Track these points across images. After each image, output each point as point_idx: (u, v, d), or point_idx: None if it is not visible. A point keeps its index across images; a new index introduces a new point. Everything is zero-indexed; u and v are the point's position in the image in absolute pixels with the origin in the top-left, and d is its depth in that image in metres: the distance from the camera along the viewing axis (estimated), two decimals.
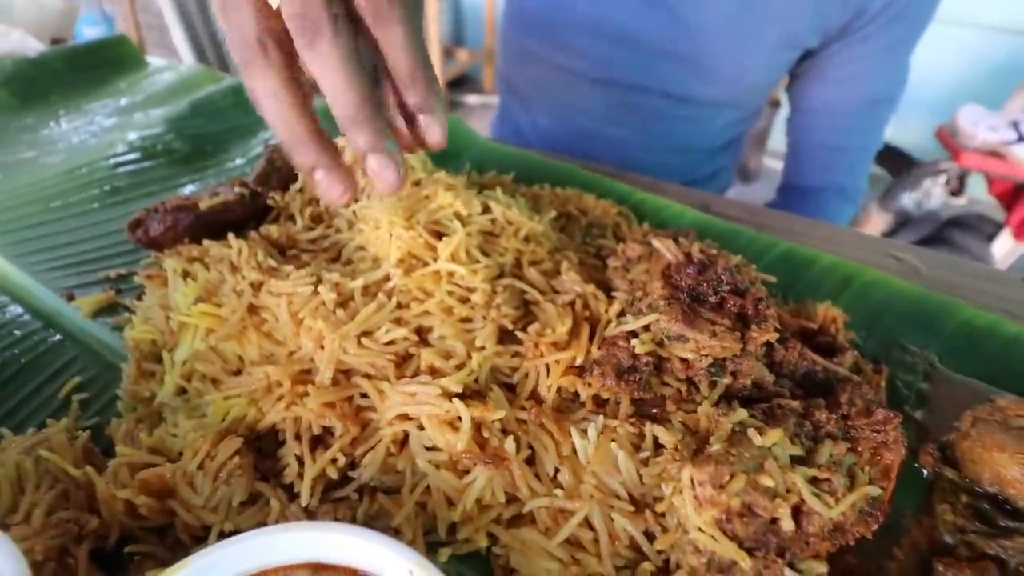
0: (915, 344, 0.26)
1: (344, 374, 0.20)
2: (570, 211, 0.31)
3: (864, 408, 0.19)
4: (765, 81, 0.50)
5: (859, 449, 0.18)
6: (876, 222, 1.62)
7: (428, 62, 0.20)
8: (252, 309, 0.22)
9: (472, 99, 2.79)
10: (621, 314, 0.21)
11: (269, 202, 0.28)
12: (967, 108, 1.41)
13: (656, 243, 0.22)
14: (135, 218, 0.27)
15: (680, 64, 0.47)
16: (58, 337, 0.27)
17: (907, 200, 1.56)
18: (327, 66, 0.17)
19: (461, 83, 2.83)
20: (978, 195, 1.73)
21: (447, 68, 2.53)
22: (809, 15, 0.43)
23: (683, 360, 0.19)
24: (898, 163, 1.78)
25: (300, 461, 0.19)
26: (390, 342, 0.20)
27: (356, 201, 0.29)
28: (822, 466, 0.16)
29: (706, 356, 0.19)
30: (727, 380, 0.19)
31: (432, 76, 0.20)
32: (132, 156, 0.40)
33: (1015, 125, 1.31)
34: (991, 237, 1.67)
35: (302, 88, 0.18)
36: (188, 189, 0.38)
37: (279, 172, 0.29)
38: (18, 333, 0.27)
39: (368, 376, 0.20)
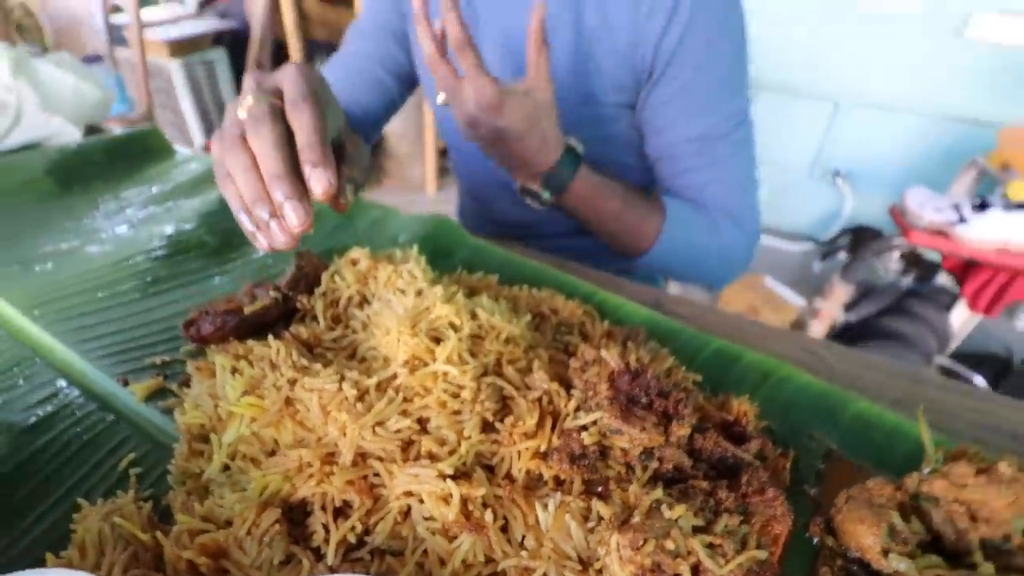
0: (819, 430, 0.33)
1: (361, 456, 0.26)
2: (543, 311, 0.38)
3: (759, 488, 0.25)
4: (609, 139, 0.56)
5: (752, 521, 0.24)
6: (839, 293, 1.73)
7: (323, 139, 0.28)
8: (288, 401, 0.27)
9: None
10: (577, 409, 0.27)
11: (297, 304, 0.35)
12: (914, 191, 1.55)
13: (604, 354, 0.28)
14: (190, 318, 0.32)
15: None
16: (112, 418, 0.32)
17: (865, 272, 1.67)
18: (264, 141, 0.27)
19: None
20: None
21: (443, 161, 2.69)
22: (585, 65, 0.51)
23: (622, 449, 0.25)
24: (864, 237, 1.91)
25: (326, 528, 0.24)
26: (398, 430, 0.26)
27: (367, 303, 0.35)
28: (718, 534, 0.22)
29: (638, 446, 0.25)
30: (655, 465, 0.25)
31: (323, 145, 0.28)
32: (169, 250, 0.46)
33: (957, 208, 1.44)
34: (948, 307, 1.77)
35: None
36: (218, 280, 0.44)
37: (306, 278, 0.36)
38: (78, 414, 0.32)
39: (380, 459, 0.25)
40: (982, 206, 1.39)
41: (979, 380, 1.68)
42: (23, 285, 0.41)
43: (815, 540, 0.27)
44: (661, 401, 0.26)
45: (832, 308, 1.80)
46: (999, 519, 0.25)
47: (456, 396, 0.28)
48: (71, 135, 0.71)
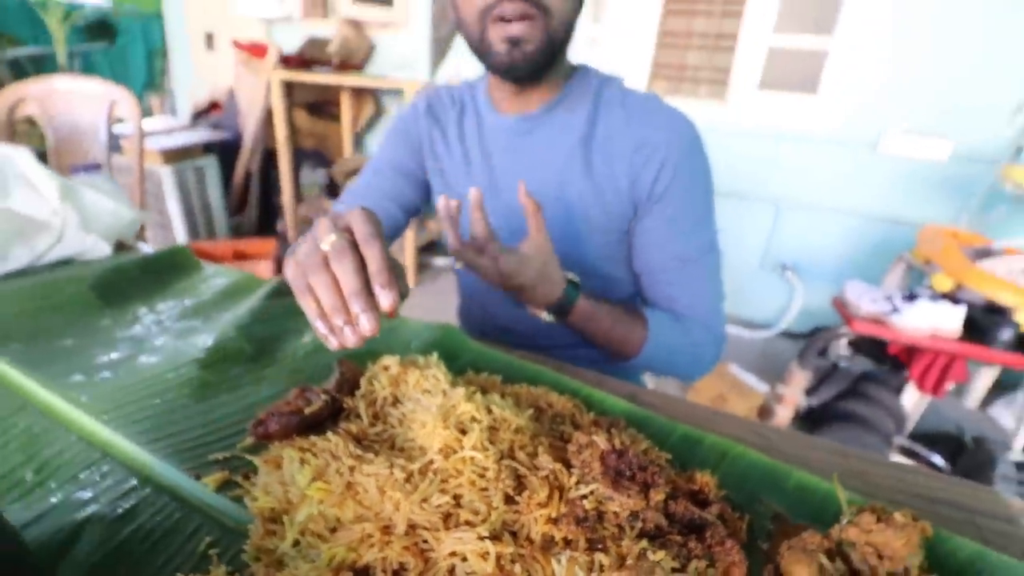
0: (767, 497, 0.41)
1: (411, 527, 0.32)
2: (541, 405, 0.46)
3: (720, 540, 0.33)
4: (605, 253, 0.69)
5: (716, 565, 0.31)
6: (798, 379, 1.84)
7: (388, 267, 0.37)
8: (349, 485, 0.34)
9: (439, 261, 3.07)
10: (577, 483, 0.35)
11: (343, 404, 0.42)
12: (852, 284, 1.73)
13: (595, 439, 0.36)
14: (258, 419, 0.40)
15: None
16: (185, 508, 0.38)
17: (817, 359, 1.80)
18: (346, 267, 0.36)
19: (430, 248, 3.13)
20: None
21: (420, 235, 2.83)
22: (599, 204, 0.66)
23: (614, 512, 0.33)
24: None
25: None
26: (439, 505, 0.33)
27: (399, 403, 0.43)
28: (690, 574, 0.29)
29: (626, 510, 0.33)
30: (639, 524, 0.33)
31: (386, 268, 0.36)
32: (213, 358, 0.53)
33: (890, 299, 1.61)
34: (900, 389, 1.90)
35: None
36: (254, 387, 0.51)
37: (348, 382, 0.44)
38: (156, 505, 0.38)
39: (427, 528, 0.32)
40: (911, 297, 1.57)
41: (937, 459, 1.78)
42: (89, 393, 0.48)
43: None
44: (641, 474, 0.34)
45: (794, 393, 1.91)
46: (899, 556, 0.33)
47: (482, 476, 0.35)
48: (102, 251, 0.80)
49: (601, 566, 0.30)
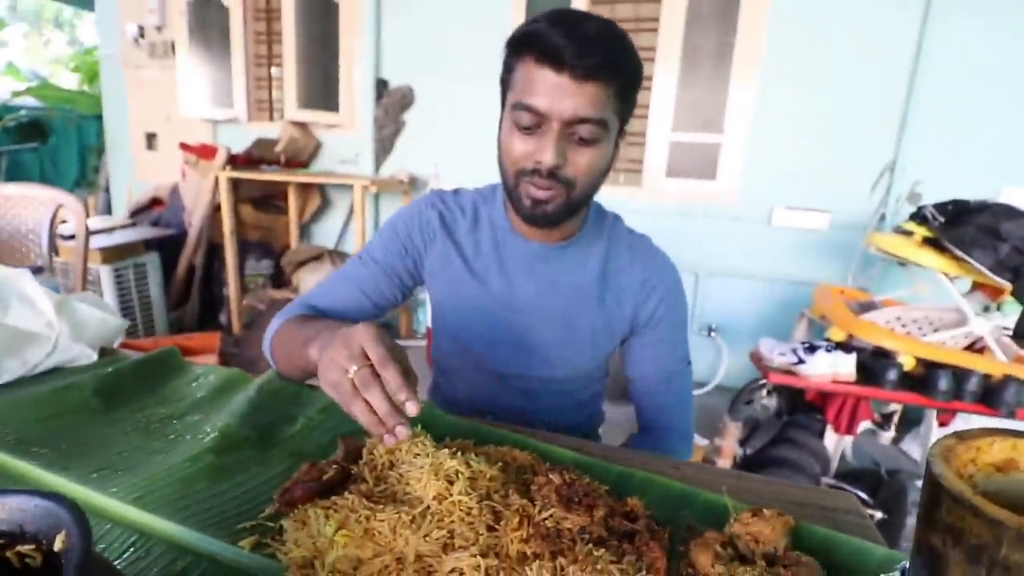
0: (684, 513, 0.54)
1: (419, 557, 0.43)
2: (507, 460, 0.58)
3: (646, 542, 0.45)
4: (593, 364, 0.85)
5: (643, 559, 0.44)
6: (732, 430, 2.02)
7: (405, 380, 0.49)
8: (367, 530, 0.45)
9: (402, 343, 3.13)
10: (540, 511, 0.47)
11: (351, 471, 0.53)
12: (763, 340, 1.97)
13: (552, 476, 0.49)
14: (284, 488, 0.49)
15: (538, 358, 0.82)
16: (227, 570, 0.46)
17: (745, 410, 1.99)
18: (375, 395, 0.48)
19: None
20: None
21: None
22: (606, 330, 0.81)
23: (568, 528, 0.45)
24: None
25: None
26: (438, 538, 0.44)
27: (395, 466, 0.54)
28: (624, 564, 0.42)
29: (577, 525, 0.45)
30: (588, 536, 0.45)
31: (408, 385, 0.49)
32: (223, 446, 0.62)
33: (795, 351, 1.85)
34: (821, 432, 2.11)
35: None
36: (268, 466, 0.60)
37: (352, 453, 0.54)
38: (202, 567, 0.46)
39: (430, 556, 0.43)
40: (811, 348, 1.81)
41: (861, 494, 1.96)
42: (116, 484, 0.55)
43: (683, 574, 0.46)
44: (586, 499, 0.47)
45: (729, 444, 2.07)
46: (769, 540, 0.47)
47: (468, 513, 0.46)
48: (89, 357, 0.86)
49: (562, 567, 0.42)
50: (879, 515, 1.79)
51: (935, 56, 2.35)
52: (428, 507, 0.47)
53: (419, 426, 0.60)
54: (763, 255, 2.72)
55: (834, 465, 2.06)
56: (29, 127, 4.71)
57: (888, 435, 2.52)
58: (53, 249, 2.36)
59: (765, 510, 0.48)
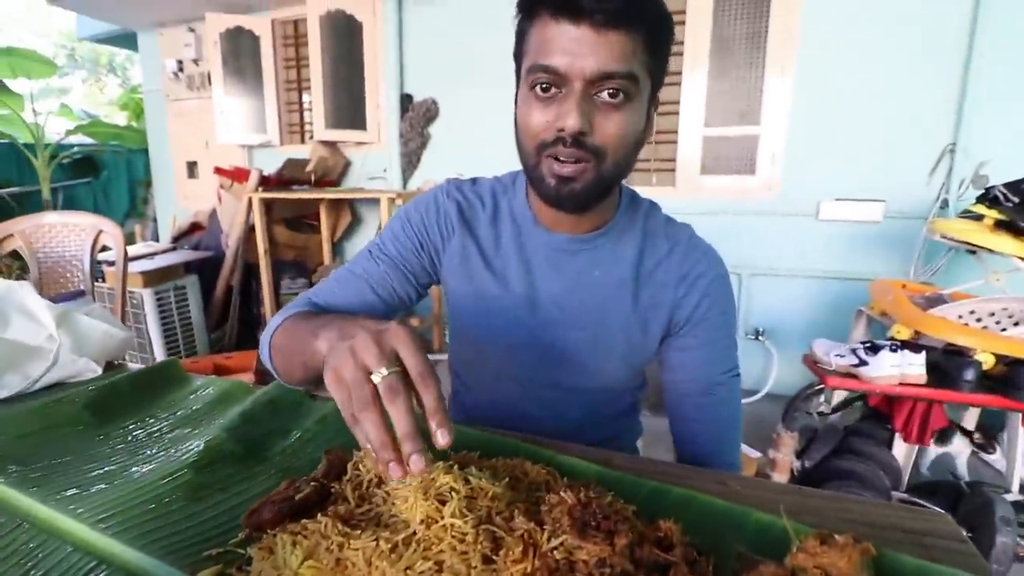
0: (731, 538, 0.44)
1: None
2: (517, 475, 0.50)
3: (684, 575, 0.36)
4: (627, 372, 0.74)
5: None
6: (787, 441, 1.85)
7: (444, 406, 0.40)
8: (338, 561, 0.37)
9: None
10: (548, 539, 0.38)
11: (332, 489, 0.45)
12: (818, 342, 1.81)
13: (564, 495, 0.40)
14: (252, 509, 0.42)
15: (566, 366, 0.72)
16: None
17: (802, 419, 1.83)
18: (399, 409, 0.38)
19: None
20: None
21: None
22: (641, 333, 0.71)
23: (583, 561, 0.36)
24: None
25: None
26: (422, 572, 0.36)
27: (383, 483, 0.46)
28: None
29: (594, 556, 0.36)
30: (607, 571, 0.36)
31: (443, 408, 0.40)
32: (205, 461, 0.56)
33: (855, 352, 1.69)
34: (888, 441, 1.92)
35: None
36: (251, 484, 0.54)
37: (335, 469, 0.47)
38: None
39: None
40: (874, 348, 1.64)
41: (938, 510, 1.76)
42: (85, 504, 0.50)
43: None
44: (606, 522, 0.38)
45: (785, 457, 1.91)
46: (844, 574, 0.36)
47: (462, 541, 0.38)
48: (93, 371, 0.83)
49: None
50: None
51: (993, 25, 2.15)
52: (414, 533, 0.39)
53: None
54: (812, 251, 2.54)
55: (905, 477, 1.86)
56: (82, 163, 5.00)
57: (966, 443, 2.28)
58: (97, 274, 2.44)
59: (837, 536, 0.38)
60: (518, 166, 0.71)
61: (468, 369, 0.83)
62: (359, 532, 0.39)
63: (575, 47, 0.53)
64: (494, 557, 0.37)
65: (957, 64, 2.24)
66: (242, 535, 0.45)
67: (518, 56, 0.61)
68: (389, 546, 0.37)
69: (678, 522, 0.43)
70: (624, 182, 0.68)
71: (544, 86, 0.56)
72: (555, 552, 0.37)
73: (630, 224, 0.71)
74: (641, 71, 0.56)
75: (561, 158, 0.57)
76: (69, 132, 4.59)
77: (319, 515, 0.42)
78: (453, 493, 0.42)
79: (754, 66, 2.54)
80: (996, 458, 2.15)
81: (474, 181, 0.77)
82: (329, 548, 0.38)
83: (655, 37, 0.56)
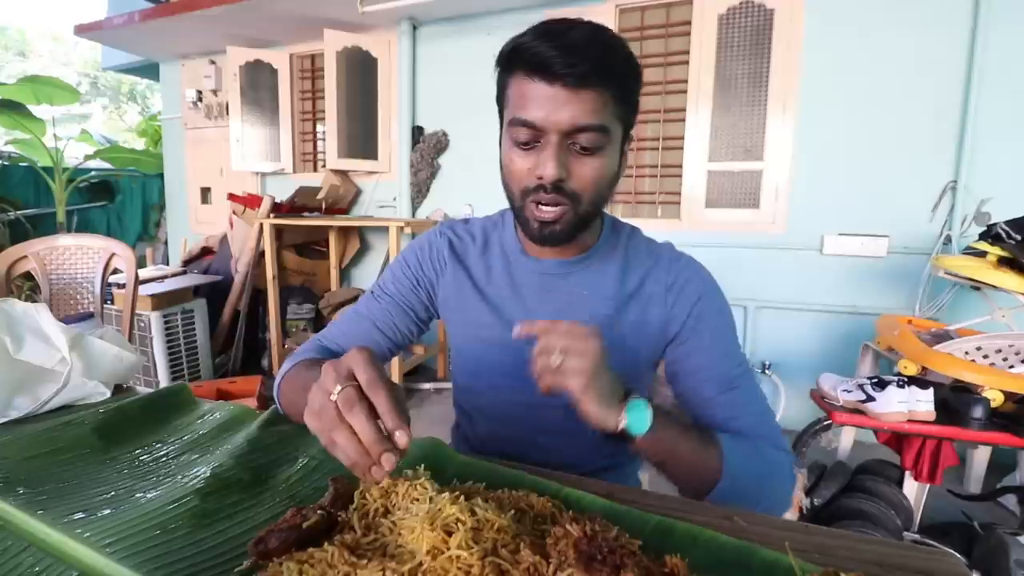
0: (736, 573, 0.44)
1: None
2: (522, 507, 0.50)
3: None
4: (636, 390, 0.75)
5: None
6: (798, 480, 1.83)
7: (396, 405, 0.43)
8: None
9: (426, 385, 3.08)
10: (554, 572, 0.38)
11: (338, 518, 0.45)
12: (825, 376, 1.80)
13: (569, 527, 0.40)
14: (259, 537, 0.42)
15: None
16: None
17: (810, 454, 1.80)
18: (358, 418, 0.42)
19: (417, 371, 3.16)
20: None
21: (407, 361, 2.87)
22: (640, 350, 0.72)
23: None
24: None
25: None
26: None
27: (389, 512, 0.46)
28: None
29: None
30: None
31: (398, 411, 0.43)
32: (211, 487, 0.56)
33: (862, 387, 1.67)
34: (898, 480, 1.88)
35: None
36: (257, 511, 0.54)
37: (342, 497, 0.47)
38: None
39: None
40: (881, 384, 1.63)
41: (951, 552, 1.71)
42: (91, 528, 0.50)
43: None
44: (611, 556, 0.38)
45: (795, 493, 1.87)
46: None
47: (468, 573, 0.38)
48: (102, 394, 0.84)
49: None
50: None
51: (990, 64, 2.20)
52: (420, 564, 0.39)
53: (422, 466, 0.52)
54: (817, 285, 2.54)
55: (917, 518, 1.82)
56: (99, 187, 5.11)
57: (976, 481, 2.23)
58: (107, 296, 2.47)
59: (843, 574, 0.38)
60: None
61: (469, 400, 0.84)
62: (365, 562, 0.39)
63: (550, 104, 0.58)
64: None
65: (956, 101, 2.28)
66: (247, 563, 0.45)
67: (500, 103, 0.68)
68: None
69: (684, 557, 0.43)
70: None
71: (524, 141, 0.62)
72: None
73: (613, 246, 0.75)
74: (612, 121, 0.61)
75: (542, 204, 0.63)
76: (88, 157, 4.71)
77: (325, 544, 0.42)
78: (459, 524, 0.42)
79: (757, 103, 2.60)
80: (1008, 497, 2.09)
81: (466, 220, 0.83)
82: None
83: (624, 90, 0.61)
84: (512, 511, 0.47)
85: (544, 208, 0.63)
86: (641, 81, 0.64)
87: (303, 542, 0.43)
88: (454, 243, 0.79)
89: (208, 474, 0.58)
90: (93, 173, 5.02)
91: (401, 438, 0.42)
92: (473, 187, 3.20)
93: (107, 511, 0.53)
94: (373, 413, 0.43)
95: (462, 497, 0.46)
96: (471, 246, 0.79)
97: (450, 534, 0.41)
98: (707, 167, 2.71)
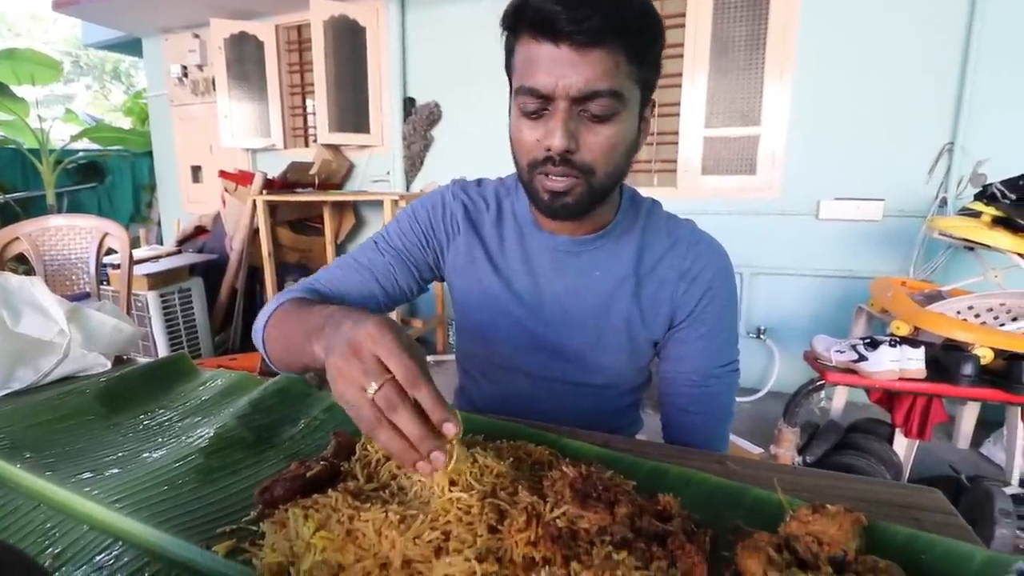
0: (728, 513, 0.45)
1: (407, 562, 0.36)
2: (520, 455, 0.51)
3: (681, 545, 0.37)
4: (632, 368, 0.76)
5: (679, 566, 0.36)
6: (788, 437, 1.86)
7: (440, 399, 0.41)
8: (348, 532, 0.38)
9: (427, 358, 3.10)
10: (551, 509, 0.40)
11: (341, 468, 0.47)
12: (818, 338, 1.82)
13: (565, 468, 0.42)
14: (264, 487, 0.44)
15: (571, 363, 0.74)
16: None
17: (803, 414, 1.83)
18: (405, 419, 0.39)
19: None
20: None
21: None
22: (643, 331, 0.72)
23: (584, 529, 0.38)
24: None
25: None
26: (430, 540, 0.37)
27: (390, 461, 0.48)
28: (652, 571, 0.34)
29: (595, 525, 0.37)
30: (608, 538, 0.37)
31: (441, 403, 0.40)
32: (216, 447, 0.57)
33: (855, 347, 1.70)
34: (888, 437, 1.92)
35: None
36: (261, 467, 0.55)
37: (345, 449, 0.48)
38: (172, 574, 0.41)
39: (420, 561, 0.36)
40: (873, 344, 1.65)
41: (929, 488, 1.76)
42: (99, 487, 0.51)
43: None
44: (606, 493, 0.39)
45: (787, 453, 1.92)
46: (836, 541, 0.38)
47: (468, 513, 0.40)
48: (103, 366, 0.85)
49: (575, 573, 0.34)
50: None
51: (990, 24, 2.17)
52: (421, 504, 0.40)
53: None
54: (812, 250, 2.55)
55: (907, 473, 1.87)
56: (87, 168, 5.03)
57: (964, 437, 2.28)
58: (102, 277, 2.46)
59: (829, 505, 0.39)
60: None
61: (473, 363, 0.85)
62: (369, 505, 0.40)
63: (557, 67, 0.54)
64: (499, 527, 0.39)
65: (955, 63, 2.25)
66: (254, 513, 0.46)
67: (508, 70, 0.63)
68: (398, 517, 0.38)
69: (677, 497, 0.44)
70: (625, 181, 0.69)
71: (532, 111, 0.57)
72: (558, 521, 0.38)
73: (631, 224, 0.72)
74: (627, 83, 0.56)
75: (551, 175, 0.59)
76: (74, 137, 4.62)
77: (329, 491, 0.43)
78: (462, 474, 0.43)
79: (754, 67, 2.56)
80: (995, 451, 2.15)
81: (479, 182, 0.79)
82: (340, 520, 0.39)
83: (640, 48, 0.55)
84: (511, 459, 0.49)
85: (554, 180, 0.59)
86: (662, 37, 0.58)
87: (307, 491, 0.44)
88: (469, 209, 0.75)
89: (212, 434, 0.59)
90: (81, 154, 4.94)
91: (450, 429, 0.39)
92: (468, 159, 3.17)
93: (115, 470, 0.55)
94: (417, 407, 0.40)
95: (462, 445, 0.47)
96: (485, 214, 0.75)
97: (453, 483, 0.42)
98: (704, 133, 2.68)
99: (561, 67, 0.54)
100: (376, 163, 3.47)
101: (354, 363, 0.40)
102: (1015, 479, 1.80)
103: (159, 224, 4.74)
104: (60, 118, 5.00)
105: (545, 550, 0.36)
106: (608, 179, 0.60)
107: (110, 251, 2.21)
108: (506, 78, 0.62)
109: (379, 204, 3.27)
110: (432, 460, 0.39)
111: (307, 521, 0.40)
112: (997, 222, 1.74)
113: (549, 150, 0.57)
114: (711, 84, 2.65)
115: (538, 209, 0.66)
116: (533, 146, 0.59)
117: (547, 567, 0.36)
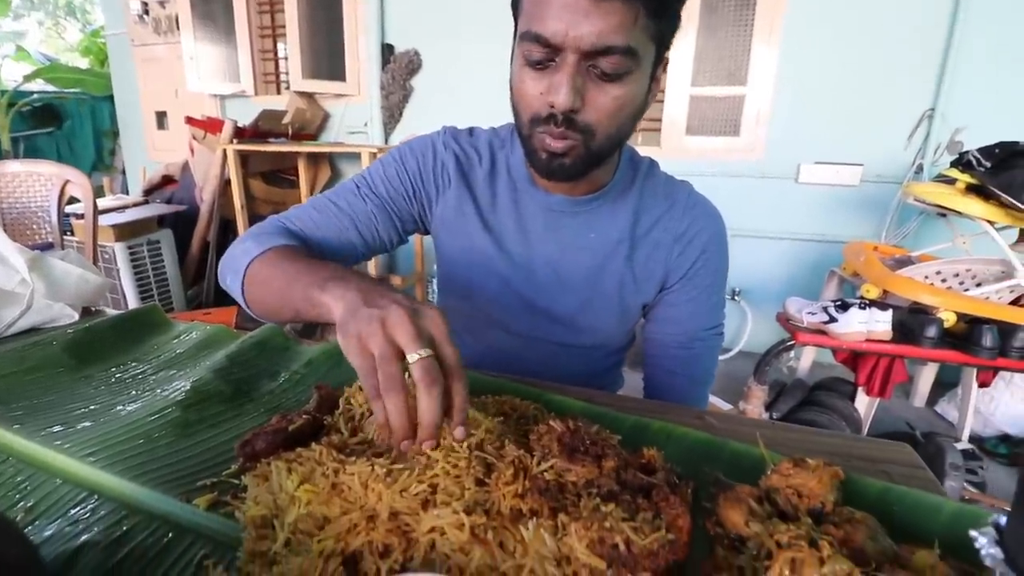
0: (708, 466, 0.46)
1: (393, 515, 0.36)
2: (506, 410, 0.51)
3: (665, 497, 0.38)
4: (621, 331, 0.76)
5: (663, 516, 0.36)
6: (757, 394, 1.93)
7: (467, 404, 0.41)
8: (334, 485, 0.38)
9: None
10: (538, 463, 0.40)
11: (324, 422, 0.46)
12: (791, 300, 1.86)
13: (552, 423, 0.42)
14: (245, 440, 0.43)
15: (559, 325, 0.73)
16: (177, 529, 0.40)
17: (771, 373, 1.90)
18: (432, 399, 0.39)
19: None
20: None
21: None
22: (635, 294, 0.72)
23: (572, 482, 0.38)
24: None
25: (376, 567, 0.34)
26: (417, 493, 0.37)
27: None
28: (638, 522, 0.34)
29: (582, 478, 0.38)
30: (594, 491, 0.38)
31: (467, 410, 0.41)
32: (193, 399, 0.56)
33: (825, 309, 1.74)
34: (851, 395, 2.01)
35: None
36: (240, 421, 0.54)
37: (327, 402, 0.48)
38: (149, 529, 0.40)
39: (407, 513, 0.36)
40: (844, 306, 1.70)
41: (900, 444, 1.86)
42: (71, 440, 0.50)
43: (711, 533, 0.39)
44: (593, 447, 0.40)
45: (755, 409, 1.99)
46: (815, 494, 0.39)
47: (455, 466, 0.40)
48: (70, 317, 0.81)
49: (563, 525, 0.35)
50: None
51: None
52: (407, 458, 0.40)
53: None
54: (790, 214, 2.58)
55: (866, 429, 1.96)
56: (43, 112, 4.72)
57: (921, 396, 2.40)
58: (65, 227, 2.35)
59: (809, 459, 0.40)
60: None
61: (458, 319, 0.83)
62: (354, 459, 0.40)
63: (569, 14, 0.49)
64: (486, 480, 0.39)
65: (941, 30, 2.23)
66: (235, 467, 0.45)
67: (514, 9, 0.58)
68: (384, 470, 0.38)
69: (660, 450, 0.45)
70: None
71: (537, 60, 0.53)
72: (545, 474, 0.38)
73: (628, 185, 0.70)
74: (643, 39, 0.52)
75: (551, 135, 0.56)
76: (27, 77, 4.31)
77: (313, 444, 0.42)
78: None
79: (742, 26, 2.50)
80: (948, 409, 2.27)
81: (471, 131, 0.74)
82: (325, 473, 0.38)
83: (662, 1, 0.51)
84: (498, 416, 0.48)
85: (554, 140, 0.56)
86: None
87: (290, 444, 0.43)
88: (461, 160, 0.71)
89: (188, 388, 0.58)
90: (36, 96, 4.62)
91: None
92: (450, 112, 3.07)
93: (87, 424, 0.53)
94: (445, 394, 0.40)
95: None
96: (477, 167, 0.71)
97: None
98: (690, 92, 2.64)
99: (573, 13, 0.49)
100: (353, 113, 3.33)
101: (407, 327, 0.39)
102: (965, 435, 1.91)
103: (123, 173, 4.52)
104: (11, 56, 4.65)
105: (532, 502, 0.37)
106: (608, 141, 0.57)
107: (72, 200, 2.11)
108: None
109: (356, 156, 3.16)
110: (424, 447, 0.39)
111: (291, 474, 0.39)
112: (970, 189, 1.77)
113: (552, 107, 0.53)
114: (699, 41, 2.58)
115: (533, 167, 0.63)
116: (535, 99, 0.55)
117: (534, 519, 0.36)
